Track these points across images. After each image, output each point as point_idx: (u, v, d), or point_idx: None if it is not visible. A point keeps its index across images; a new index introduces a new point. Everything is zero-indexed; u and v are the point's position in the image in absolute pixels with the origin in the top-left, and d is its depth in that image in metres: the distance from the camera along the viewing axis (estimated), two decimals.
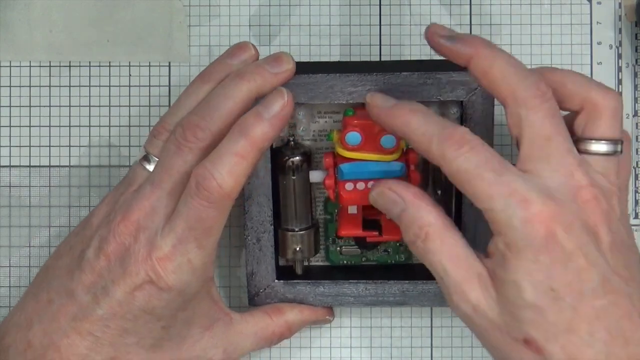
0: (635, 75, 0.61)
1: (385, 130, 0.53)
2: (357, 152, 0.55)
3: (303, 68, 0.55)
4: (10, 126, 0.61)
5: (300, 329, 0.59)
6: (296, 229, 0.58)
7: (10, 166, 0.62)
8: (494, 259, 0.49)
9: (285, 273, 0.59)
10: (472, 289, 0.49)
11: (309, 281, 0.59)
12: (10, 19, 0.61)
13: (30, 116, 0.61)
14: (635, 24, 0.61)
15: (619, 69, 0.61)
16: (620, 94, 0.61)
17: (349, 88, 0.55)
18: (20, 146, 0.61)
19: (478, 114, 0.55)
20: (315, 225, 0.59)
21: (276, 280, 0.58)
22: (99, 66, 0.61)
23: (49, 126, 0.61)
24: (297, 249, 0.58)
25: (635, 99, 0.61)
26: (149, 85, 0.61)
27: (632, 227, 0.60)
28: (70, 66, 0.61)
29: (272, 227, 0.57)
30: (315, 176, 0.57)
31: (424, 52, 0.61)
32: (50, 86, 0.62)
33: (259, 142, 0.51)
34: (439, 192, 0.57)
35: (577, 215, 0.48)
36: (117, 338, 0.52)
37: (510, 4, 0.61)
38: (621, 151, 0.50)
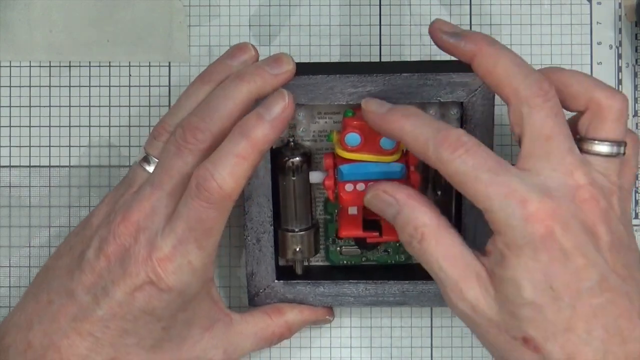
0: (635, 75, 0.61)
1: None
2: (356, 153, 0.55)
3: (303, 69, 0.55)
4: (10, 126, 0.61)
5: (300, 329, 0.59)
6: (296, 230, 0.58)
7: (10, 166, 0.62)
8: (493, 257, 0.49)
9: (285, 273, 0.59)
10: (470, 287, 0.49)
11: (309, 281, 0.59)
12: (10, 19, 0.61)
13: (30, 116, 0.61)
14: (635, 24, 0.61)
15: (619, 69, 0.61)
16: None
17: (349, 89, 0.55)
18: (20, 146, 0.61)
19: (478, 115, 0.55)
20: (315, 225, 0.59)
21: (276, 281, 0.58)
22: (99, 66, 0.61)
23: (49, 126, 0.61)
24: (297, 249, 0.58)
25: (635, 99, 0.61)
26: (149, 85, 0.61)
27: (633, 227, 0.61)
28: (70, 66, 0.61)
29: (272, 227, 0.57)
30: (315, 177, 0.57)
31: (424, 53, 0.61)
32: (50, 86, 0.62)
33: (259, 144, 0.51)
34: (439, 192, 0.57)
35: (575, 214, 0.48)
36: (117, 339, 0.52)
37: (510, 4, 0.61)
38: (624, 153, 0.50)
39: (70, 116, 0.61)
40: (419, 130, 0.50)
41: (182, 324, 0.54)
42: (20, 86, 0.61)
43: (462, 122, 0.56)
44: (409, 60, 0.61)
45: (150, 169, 0.54)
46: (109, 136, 0.62)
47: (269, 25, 0.61)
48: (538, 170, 0.49)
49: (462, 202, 0.56)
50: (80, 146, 0.62)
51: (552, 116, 0.49)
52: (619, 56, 0.61)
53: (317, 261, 0.61)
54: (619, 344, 0.47)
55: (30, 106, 0.61)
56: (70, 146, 0.62)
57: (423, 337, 0.62)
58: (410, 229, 0.51)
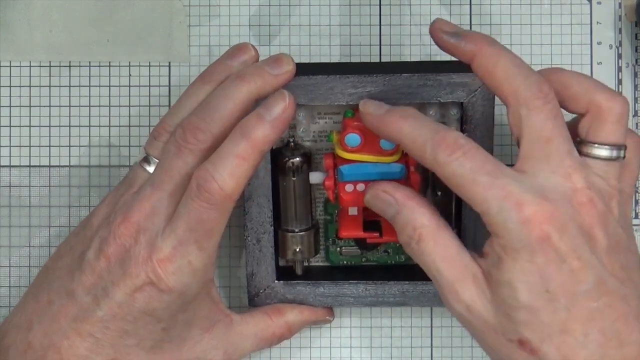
0: (635, 75, 0.61)
1: None
2: (356, 154, 0.55)
3: (303, 69, 0.55)
4: (10, 126, 0.61)
5: (300, 330, 0.59)
6: (296, 230, 0.58)
7: (10, 166, 0.62)
8: (489, 259, 0.49)
9: (285, 274, 0.59)
10: (466, 288, 0.49)
11: (309, 282, 0.59)
12: (10, 19, 0.61)
13: (30, 116, 0.61)
14: (635, 24, 0.61)
15: (619, 69, 0.61)
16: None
17: (349, 89, 0.55)
18: (20, 146, 0.61)
19: (478, 115, 0.55)
20: (315, 226, 0.59)
21: (276, 281, 0.58)
22: (99, 66, 0.61)
23: (49, 126, 0.61)
24: (297, 249, 0.58)
25: (635, 99, 0.61)
26: (149, 85, 0.61)
27: (633, 227, 0.61)
28: (70, 66, 0.61)
29: (272, 228, 0.57)
30: (315, 177, 0.57)
31: (424, 53, 0.61)
32: (50, 86, 0.61)
33: (260, 144, 0.51)
34: (439, 193, 0.57)
35: (572, 217, 0.48)
36: (117, 339, 0.52)
37: (510, 4, 0.61)
38: (624, 156, 0.50)
39: (70, 116, 0.61)
40: (417, 132, 0.50)
41: (182, 324, 0.54)
42: (20, 86, 0.61)
43: (462, 123, 0.56)
44: (409, 60, 0.61)
45: (151, 169, 0.54)
46: (109, 136, 0.62)
47: (269, 25, 0.61)
48: (536, 172, 0.49)
49: (462, 203, 0.56)
50: (80, 146, 0.62)
51: (551, 118, 0.49)
52: (619, 56, 0.61)
53: (317, 262, 0.61)
54: (616, 346, 0.48)
55: (30, 106, 0.61)
56: (70, 146, 0.62)
57: (423, 337, 0.62)
58: (409, 230, 0.51)
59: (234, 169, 0.50)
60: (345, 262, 0.61)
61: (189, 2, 0.61)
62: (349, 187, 0.55)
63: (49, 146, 0.61)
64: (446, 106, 0.56)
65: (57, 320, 0.53)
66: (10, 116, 0.61)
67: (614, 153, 0.49)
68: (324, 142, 0.59)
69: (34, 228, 0.62)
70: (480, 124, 0.55)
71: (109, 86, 0.61)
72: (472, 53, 0.50)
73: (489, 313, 0.49)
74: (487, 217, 0.48)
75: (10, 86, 0.61)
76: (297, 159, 0.57)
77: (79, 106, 0.61)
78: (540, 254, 0.47)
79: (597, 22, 0.61)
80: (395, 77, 0.55)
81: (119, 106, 0.61)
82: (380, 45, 0.61)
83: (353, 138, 0.54)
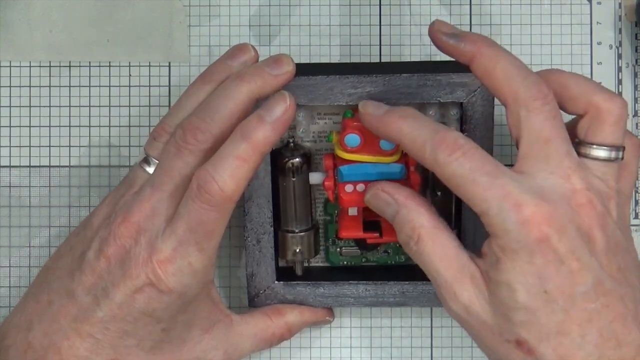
0: (635, 75, 0.61)
1: None
2: (356, 154, 0.55)
3: (303, 69, 0.55)
4: (10, 126, 0.61)
5: (300, 330, 0.59)
6: (296, 230, 0.58)
7: (10, 166, 0.62)
8: (488, 260, 0.49)
9: (285, 274, 0.59)
10: (463, 289, 0.50)
11: (309, 282, 0.59)
12: (10, 19, 0.61)
13: (30, 116, 0.61)
14: (635, 24, 0.61)
15: (619, 69, 0.61)
16: (621, 95, 0.61)
17: (348, 90, 0.55)
18: (20, 146, 0.61)
19: (478, 115, 0.55)
20: (315, 226, 0.59)
21: (276, 282, 0.58)
22: (99, 66, 0.61)
23: (49, 126, 0.61)
24: (297, 250, 0.58)
25: (635, 99, 0.61)
26: (149, 85, 0.61)
27: (632, 227, 0.61)
28: (70, 66, 0.61)
29: (272, 228, 0.57)
30: (315, 178, 0.57)
31: (424, 53, 0.61)
32: (50, 86, 0.62)
33: (260, 146, 0.51)
34: (439, 193, 0.57)
35: (571, 218, 0.48)
36: (117, 340, 0.53)
37: (510, 4, 0.61)
38: (622, 158, 0.50)
39: (70, 116, 0.61)
40: (417, 132, 0.50)
41: (182, 325, 0.54)
42: (20, 86, 0.61)
43: (462, 123, 0.56)
44: (409, 60, 0.61)
45: (151, 170, 0.54)
46: (109, 136, 0.62)
47: (269, 25, 0.61)
48: (535, 173, 0.49)
49: (461, 203, 0.56)
50: (80, 146, 0.62)
51: (550, 119, 0.49)
52: (619, 56, 0.61)
53: (317, 262, 0.61)
54: (614, 347, 0.48)
55: (30, 106, 0.61)
56: (70, 146, 0.62)
57: (423, 337, 0.62)
58: (408, 230, 0.51)
59: (234, 170, 0.50)
60: (345, 262, 0.61)
61: (189, 2, 0.61)
62: (348, 188, 0.55)
63: (49, 146, 0.61)
64: (446, 106, 0.56)
65: (57, 321, 0.53)
66: (10, 116, 0.61)
67: (613, 154, 0.50)
68: (323, 143, 0.59)
69: (34, 228, 0.62)
70: (480, 124, 0.55)
71: (109, 86, 0.61)
72: (471, 54, 0.50)
73: (486, 313, 0.49)
74: (486, 218, 0.48)
75: (10, 86, 0.61)
76: (297, 159, 0.57)
77: (79, 106, 0.61)
78: (539, 255, 0.47)
79: (597, 22, 0.61)
80: (395, 77, 0.55)
81: (119, 106, 0.61)
82: (380, 45, 0.61)
83: (353, 138, 0.54)
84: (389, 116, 0.51)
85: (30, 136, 0.61)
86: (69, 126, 0.61)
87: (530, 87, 0.49)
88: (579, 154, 0.50)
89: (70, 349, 0.52)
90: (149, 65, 0.61)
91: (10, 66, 0.61)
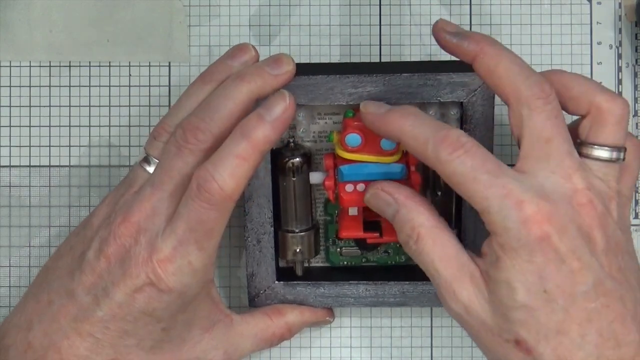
0: (635, 75, 0.61)
1: None
2: (357, 154, 0.55)
3: (303, 69, 0.55)
4: (10, 126, 0.61)
5: (300, 330, 0.59)
6: (296, 230, 0.58)
7: (10, 166, 0.62)
8: (487, 259, 0.49)
9: (285, 274, 0.59)
10: (463, 288, 0.50)
11: (309, 282, 0.59)
12: (10, 19, 0.61)
13: (30, 116, 0.61)
14: (635, 24, 0.61)
15: (619, 69, 0.61)
16: (621, 94, 0.61)
17: (349, 89, 0.55)
18: (20, 146, 0.61)
19: (478, 115, 0.55)
20: (315, 226, 0.59)
21: (276, 282, 0.58)
22: (99, 66, 0.61)
23: (49, 126, 0.61)
24: (297, 250, 0.58)
25: (635, 99, 0.61)
26: (149, 85, 0.61)
27: (632, 228, 0.61)
28: (70, 66, 0.61)
29: (272, 228, 0.57)
30: (315, 177, 0.57)
31: (424, 52, 0.61)
32: (50, 86, 0.61)
33: (260, 145, 0.51)
34: (439, 193, 0.57)
35: (572, 218, 0.48)
36: (117, 340, 0.52)
37: (510, 4, 0.61)
38: (623, 158, 0.50)
39: (70, 116, 0.61)
40: (418, 130, 0.50)
41: (182, 325, 0.54)
42: (20, 86, 0.61)
43: (462, 122, 0.56)
44: (409, 60, 0.61)
45: (151, 169, 0.54)
46: (109, 136, 0.62)
47: (269, 25, 0.61)
48: (536, 172, 0.49)
49: (462, 203, 0.56)
50: (80, 146, 0.62)
51: (552, 119, 0.49)
52: (619, 56, 0.61)
53: (317, 262, 0.61)
54: (613, 347, 0.48)
55: (30, 106, 0.61)
56: (70, 146, 0.62)
57: (423, 337, 0.62)
58: (408, 229, 0.51)
59: (234, 169, 0.50)
60: (345, 262, 0.61)
61: (189, 2, 0.61)
62: (349, 187, 0.55)
63: (49, 146, 0.61)
64: (446, 106, 0.56)
65: (57, 320, 0.53)
66: (10, 116, 0.61)
67: (614, 155, 0.50)
68: (324, 142, 0.59)
69: (34, 228, 0.62)
70: (480, 123, 0.55)
71: (109, 86, 0.61)
72: (474, 53, 0.50)
73: (486, 313, 0.49)
74: (487, 216, 0.48)
75: (10, 86, 0.61)
76: (297, 159, 0.57)
77: (79, 106, 0.61)
78: (540, 254, 0.47)
79: (597, 22, 0.61)
80: (395, 77, 0.55)
81: (119, 106, 0.61)
82: (380, 45, 0.61)
83: (353, 138, 0.54)
84: (391, 115, 0.51)
85: (30, 136, 0.61)
86: (69, 126, 0.61)
87: (533, 86, 0.49)
88: (581, 154, 0.50)
89: (70, 348, 0.52)
90: (149, 65, 0.61)
91: (10, 66, 0.61)
